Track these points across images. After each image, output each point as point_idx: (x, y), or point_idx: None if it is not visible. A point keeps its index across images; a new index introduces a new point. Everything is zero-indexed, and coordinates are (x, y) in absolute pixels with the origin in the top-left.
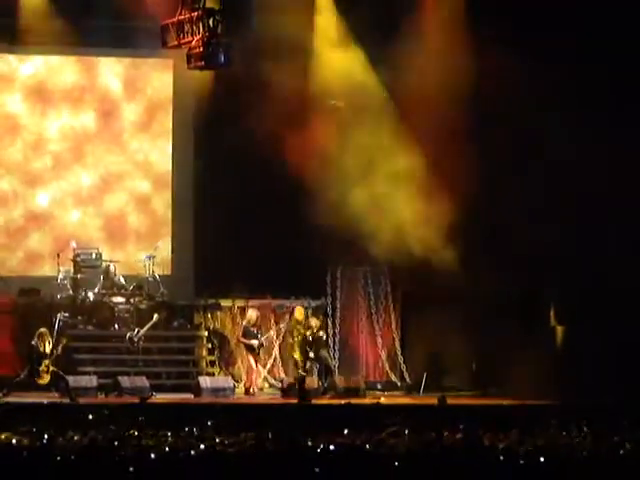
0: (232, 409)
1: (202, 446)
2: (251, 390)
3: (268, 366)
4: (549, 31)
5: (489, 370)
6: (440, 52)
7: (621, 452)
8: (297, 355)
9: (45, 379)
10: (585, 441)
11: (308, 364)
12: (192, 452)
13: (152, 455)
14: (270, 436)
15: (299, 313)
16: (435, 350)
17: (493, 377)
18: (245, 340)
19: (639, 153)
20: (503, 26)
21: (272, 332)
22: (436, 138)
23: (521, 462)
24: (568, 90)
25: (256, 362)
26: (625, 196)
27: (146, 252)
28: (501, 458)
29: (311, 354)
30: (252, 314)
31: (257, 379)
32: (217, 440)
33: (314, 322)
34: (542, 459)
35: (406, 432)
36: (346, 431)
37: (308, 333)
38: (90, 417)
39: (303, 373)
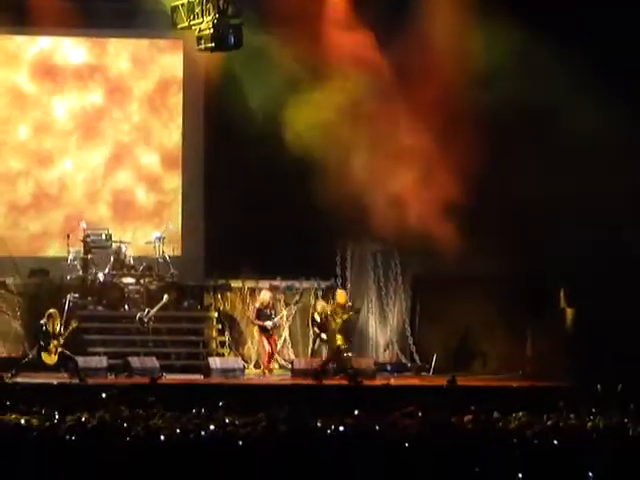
0: (242, 390)
1: (212, 427)
2: (266, 372)
3: (278, 347)
4: (563, 13)
5: (501, 352)
6: (449, 33)
7: (630, 434)
8: (340, 339)
9: (53, 359)
10: (595, 423)
11: (318, 345)
12: (202, 433)
13: (161, 436)
14: (280, 417)
15: (341, 297)
16: (447, 332)
17: (502, 359)
18: (259, 322)
19: None
20: (514, 7)
21: (284, 312)
22: (447, 119)
23: (531, 443)
24: (582, 72)
25: (269, 343)
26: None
27: (156, 232)
28: (511, 439)
29: (323, 335)
30: (265, 296)
31: (272, 359)
32: (227, 421)
33: (321, 304)
34: (552, 441)
35: (418, 413)
36: (356, 412)
37: (318, 316)
38: (99, 397)
39: (349, 354)
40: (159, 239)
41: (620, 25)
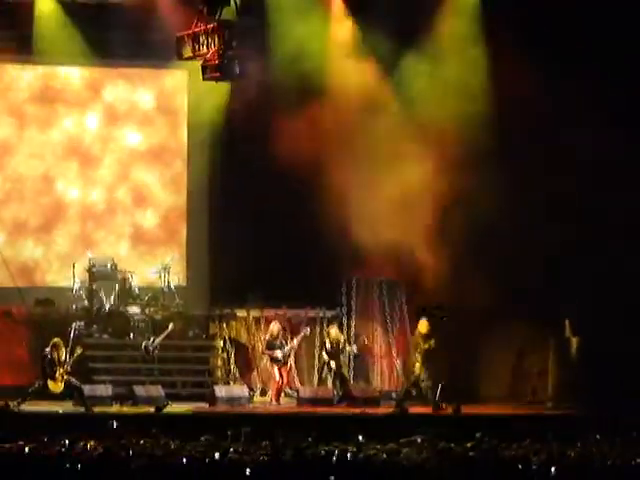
0: (248, 419)
1: (217, 455)
2: (274, 401)
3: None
4: (569, 46)
5: (507, 381)
6: (455, 66)
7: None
8: (418, 368)
9: (59, 387)
10: (602, 450)
11: (326, 373)
12: (206, 460)
13: (166, 464)
14: (286, 445)
15: (423, 326)
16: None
17: (511, 388)
18: (269, 352)
19: None
20: (519, 39)
21: (295, 342)
22: (450, 154)
23: (535, 471)
24: (585, 103)
25: (280, 374)
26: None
27: (161, 262)
28: (518, 466)
29: (332, 364)
30: (274, 327)
31: (282, 390)
32: (232, 449)
33: (334, 332)
34: (555, 468)
35: (420, 441)
36: (361, 440)
37: (329, 344)
38: (105, 426)
39: (428, 383)
40: (164, 269)
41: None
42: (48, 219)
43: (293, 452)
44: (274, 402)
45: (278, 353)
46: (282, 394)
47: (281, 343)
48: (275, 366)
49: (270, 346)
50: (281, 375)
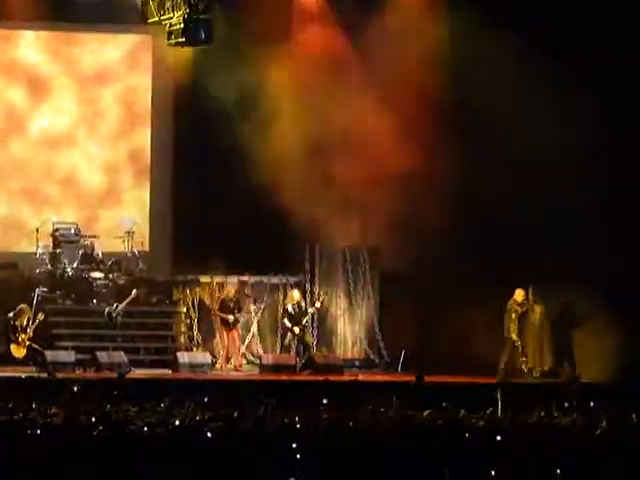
0: (210, 385)
1: (177, 422)
2: (222, 366)
3: (246, 342)
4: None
5: (469, 349)
6: (418, 29)
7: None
8: (514, 336)
9: (22, 353)
10: (565, 419)
11: (289, 340)
12: (169, 427)
13: (128, 430)
14: (247, 413)
15: (519, 294)
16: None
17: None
18: (221, 314)
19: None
20: (483, 10)
21: (252, 308)
22: (414, 119)
23: (498, 440)
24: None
25: (227, 338)
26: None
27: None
28: (477, 436)
29: (295, 329)
30: (230, 290)
31: (231, 355)
32: (194, 416)
33: (297, 296)
34: (520, 437)
35: (384, 409)
36: (324, 407)
37: (291, 308)
38: (67, 391)
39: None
40: (128, 234)
41: (590, 37)
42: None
43: (254, 420)
44: (224, 366)
45: (230, 316)
46: (235, 359)
47: (234, 307)
48: (224, 329)
49: (222, 307)
50: (229, 338)
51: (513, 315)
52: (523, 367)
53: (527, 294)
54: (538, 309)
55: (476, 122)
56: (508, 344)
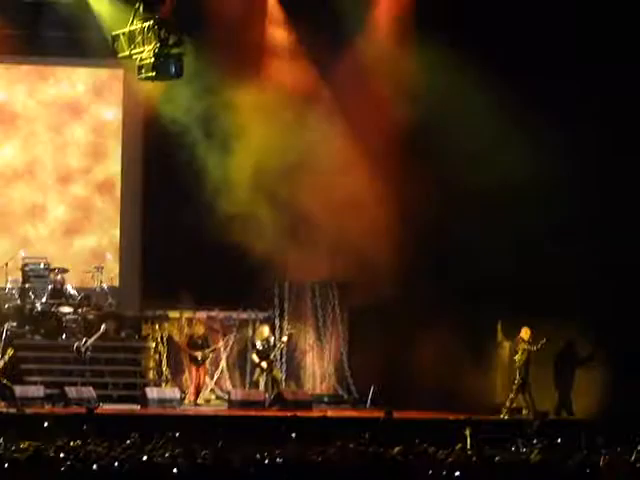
0: (178, 420)
1: (145, 458)
2: (190, 401)
3: (215, 378)
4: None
5: (438, 384)
6: (388, 64)
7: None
8: (520, 375)
9: None
10: (533, 455)
11: (257, 375)
12: (138, 463)
13: (96, 466)
14: (218, 447)
15: (526, 331)
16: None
17: (442, 392)
18: (189, 350)
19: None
20: (453, 40)
21: (220, 344)
22: (383, 150)
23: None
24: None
25: (197, 373)
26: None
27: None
28: (444, 473)
29: (263, 364)
30: (199, 327)
31: (199, 391)
32: (163, 452)
33: (265, 332)
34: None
35: (352, 446)
36: (293, 443)
37: (260, 344)
38: (36, 427)
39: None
40: (98, 269)
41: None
42: None
43: (215, 455)
44: (192, 402)
45: (198, 353)
46: (200, 394)
47: (202, 343)
48: (193, 365)
49: (191, 344)
50: (198, 374)
51: (520, 353)
52: (523, 405)
53: (532, 331)
54: (507, 344)
55: (445, 155)
56: (517, 382)
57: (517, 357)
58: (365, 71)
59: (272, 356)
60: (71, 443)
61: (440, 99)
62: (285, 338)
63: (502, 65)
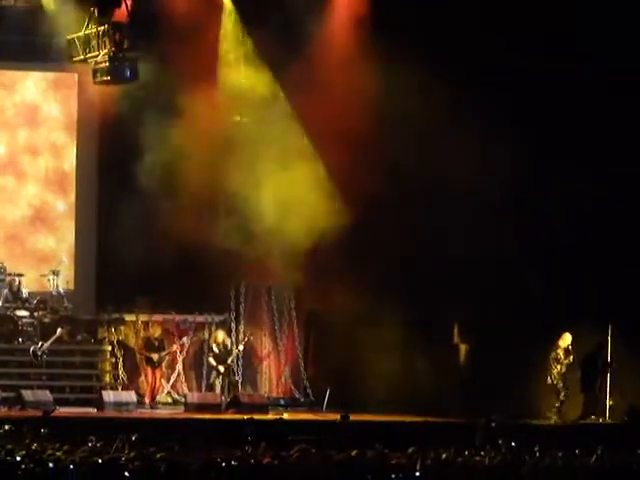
0: (135, 423)
1: (100, 460)
2: (147, 404)
3: (172, 381)
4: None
5: (394, 387)
6: (345, 69)
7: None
8: (560, 384)
9: None
10: (493, 458)
11: (214, 378)
12: (94, 466)
13: (52, 468)
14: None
15: (565, 339)
16: (338, 366)
17: (397, 394)
18: (146, 352)
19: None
20: (410, 43)
21: (176, 346)
22: (340, 151)
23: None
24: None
25: (154, 375)
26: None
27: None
28: (400, 475)
29: (220, 368)
30: (156, 329)
31: (155, 393)
32: (119, 455)
33: (221, 336)
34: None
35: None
36: (249, 446)
37: (216, 347)
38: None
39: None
40: (53, 273)
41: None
42: None
43: (171, 459)
44: (148, 405)
45: (154, 355)
46: (156, 397)
47: (159, 346)
48: (149, 367)
49: (147, 347)
50: (154, 377)
51: (558, 360)
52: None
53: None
54: (463, 347)
55: (397, 156)
56: (555, 389)
57: (558, 367)
58: (321, 74)
59: (229, 360)
60: (33, 446)
61: (397, 102)
62: (241, 347)
63: (466, 83)
